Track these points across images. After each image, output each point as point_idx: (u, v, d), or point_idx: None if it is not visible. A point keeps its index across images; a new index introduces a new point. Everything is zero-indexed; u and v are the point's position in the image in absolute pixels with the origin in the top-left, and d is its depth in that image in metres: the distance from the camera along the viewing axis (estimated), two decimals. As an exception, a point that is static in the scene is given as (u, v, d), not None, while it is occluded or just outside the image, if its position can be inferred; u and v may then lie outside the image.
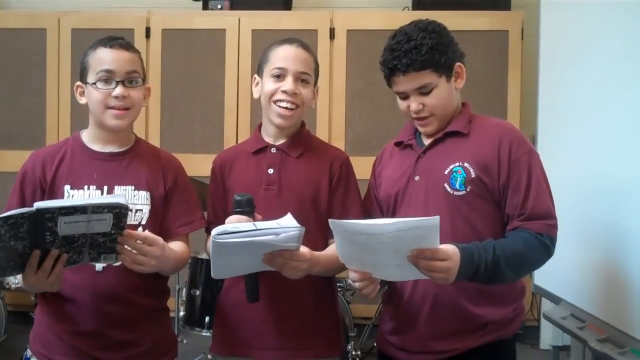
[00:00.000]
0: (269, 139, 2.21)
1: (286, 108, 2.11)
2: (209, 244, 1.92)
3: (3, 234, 1.69)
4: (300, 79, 2.12)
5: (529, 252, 1.93)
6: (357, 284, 1.87)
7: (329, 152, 2.24)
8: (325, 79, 4.79)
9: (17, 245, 1.75)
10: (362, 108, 4.88)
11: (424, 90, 2.01)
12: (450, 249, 1.80)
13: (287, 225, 1.86)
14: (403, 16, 4.78)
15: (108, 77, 2.04)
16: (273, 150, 2.19)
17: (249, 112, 4.92)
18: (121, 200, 1.81)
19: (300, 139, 2.22)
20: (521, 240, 1.93)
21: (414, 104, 2.03)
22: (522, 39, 4.75)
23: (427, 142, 2.09)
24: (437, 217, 1.69)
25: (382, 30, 4.81)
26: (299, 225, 1.85)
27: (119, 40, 2.08)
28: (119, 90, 2.03)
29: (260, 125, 2.24)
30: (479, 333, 1.99)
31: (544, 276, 2.93)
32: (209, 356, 4.13)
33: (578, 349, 2.93)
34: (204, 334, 3.75)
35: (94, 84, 2.04)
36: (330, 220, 1.77)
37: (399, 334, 2.09)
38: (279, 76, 2.11)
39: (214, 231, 1.82)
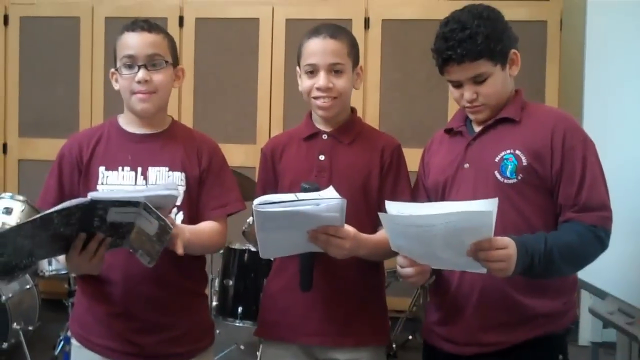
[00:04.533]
0: (320, 126, 2.20)
1: (324, 102, 2.11)
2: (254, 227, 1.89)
3: (56, 223, 1.70)
4: (334, 69, 2.10)
5: (583, 244, 1.87)
6: (406, 270, 1.84)
7: (381, 139, 2.22)
8: (363, 70, 4.75)
9: (66, 230, 1.75)
10: (397, 99, 4.83)
11: (479, 79, 1.96)
12: (506, 238, 1.76)
13: (329, 196, 1.85)
14: (439, 6, 4.71)
15: (130, 62, 2.05)
16: (324, 136, 2.18)
17: (282, 103, 4.90)
18: (174, 193, 1.85)
19: (352, 125, 2.21)
20: (574, 233, 1.87)
21: (467, 93, 1.98)
22: (560, 29, 4.67)
23: (477, 129, 2.04)
24: (491, 210, 1.64)
25: (418, 20, 4.81)
26: (340, 197, 1.83)
27: (141, 22, 2.08)
28: (140, 74, 2.04)
29: (311, 112, 2.23)
30: (528, 326, 1.94)
31: (588, 270, 2.85)
32: (242, 346, 4.18)
33: (624, 345, 2.86)
34: (237, 324, 3.75)
35: (118, 69, 2.07)
36: (380, 214, 1.75)
37: (445, 325, 2.04)
38: (312, 71, 2.11)
39: (255, 201, 1.81)
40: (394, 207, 1.77)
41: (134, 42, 2.05)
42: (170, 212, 1.97)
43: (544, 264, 1.81)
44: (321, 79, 2.09)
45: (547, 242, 1.83)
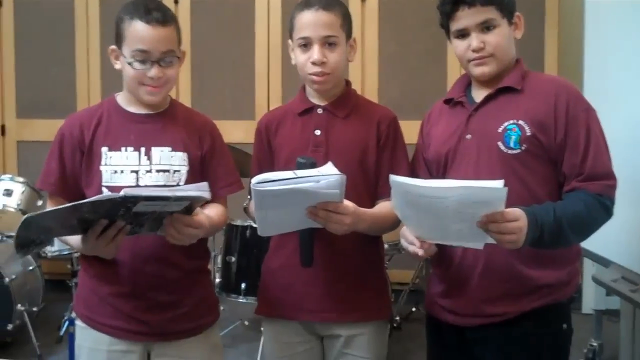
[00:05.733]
0: (314, 100, 2.17)
1: (318, 76, 2.08)
2: (252, 205, 1.88)
3: (84, 210, 1.73)
4: (327, 42, 2.07)
5: (590, 213, 1.86)
6: (412, 248, 1.84)
7: (376, 112, 2.19)
8: (356, 43, 4.72)
9: (91, 216, 1.77)
10: (395, 71, 4.80)
11: (487, 26, 1.95)
12: (517, 209, 1.75)
13: (328, 172, 1.83)
14: (437, -24, 4.67)
15: (143, 57, 1.99)
16: (319, 111, 2.15)
17: (280, 78, 4.88)
18: (205, 195, 1.85)
19: (347, 98, 2.18)
20: (581, 202, 1.86)
21: (475, 41, 1.95)
22: (560, -4, 4.63)
23: (478, 99, 2.02)
24: (505, 188, 1.63)
25: (415, -8, 4.76)
26: (339, 173, 1.81)
27: (155, 13, 2.00)
28: (154, 72, 2.00)
29: (304, 86, 2.20)
30: (532, 296, 1.94)
31: (591, 238, 2.85)
32: (246, 322, 4.19)
33: (628, 312, 2.87)
34: (240, 300, 3.76)
35: (130, 63, 2.01)
36: (391, 178, 1.74)
37: (449, 297, 2.04)
38: (306, 45, 2.08)
39: (254, 179, 1.79)
40: (400, 181, 1.75)
41: (148, 36, 1.98)
42: None
43: (553, 235, 1.81)
44: (315, 53, 2.06)
45: (555, 213, 1.82)
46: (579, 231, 1.89)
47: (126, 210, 1.77)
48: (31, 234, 1.74)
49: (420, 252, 1.83)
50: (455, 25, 1.99)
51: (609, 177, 1.91)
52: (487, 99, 1.99)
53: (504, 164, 1.91)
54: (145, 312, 2.05)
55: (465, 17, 1.96)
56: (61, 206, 1.72)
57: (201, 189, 1.89)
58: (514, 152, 1.92)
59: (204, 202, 1.98)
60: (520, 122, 1.92)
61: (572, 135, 1.90)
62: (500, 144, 1.93)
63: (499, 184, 1.64)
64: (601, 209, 1.88)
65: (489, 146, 1.94)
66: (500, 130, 1.93)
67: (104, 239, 1.83)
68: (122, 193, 1.71)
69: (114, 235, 1.83)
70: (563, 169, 1.92)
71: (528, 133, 1.91)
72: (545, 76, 2.04)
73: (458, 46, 2.01)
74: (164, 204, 1.78)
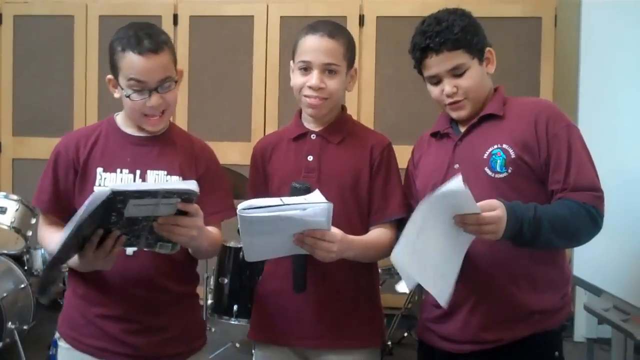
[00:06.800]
0: (309, 125, 2.17)
1: (314, 100, 2.08)
2: None
3: (86, 225, 1.71)
4: (327, 70, 2.07)
5: (573, 217, 1.86)
6: None
7: (371, 138, 2.18)
8: (357, 73, 4.76)
9: (88, 229, 1.75)
10: (392, 96, 4.83)
11: (458, 72, 1.98)
12: (494, 200, 1.78)
13: (315, 200, 1.82)
14: (434, 2, 4.65)
15: (140, 87, 1.98)
16: (313, 136, 2.15)
17: (276, 100, 4.90)
18: (192, 187, 1.79)
19: (341, 124, 2.17)
20: (564, 206, 1.88)
21: (448, 86, 1.99)
22: (555, 26, 4.67)
23: (463, 129, 2.05)
24: (466, 189, 1.68)
25: (413, 17, 4.72)
26: (326, 201, 1.80)
27: (146, 44, 1.96)
28: (153, 101, 1.99)
29: (300, 111, 2.20)
30: (525, 323, 1.94)
31: (583, 267, 2.87)
32: (237, 344, 4.17)
33: (619, 342, 2.87)
34: (232, 322, 3.74)
35: (127, 96, 1.99)
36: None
37: (442, 323, 2.03)
38: (306, 69, 2.08)
39: (240, 205, 1.78)
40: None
41: (142, 68, 1.96)
42: None
43: (532, 231, 1.82)
44: (314, 78, 2.05)
45: (536, 210, 1.84)
46: (562, 233, 1.87)
47: (118, 215, 1.73)
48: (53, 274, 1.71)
49: None
50: (426, 72, 2.03)
51: (595, 189, 1.92)
52: (471, 128, 2.03)
53: (493, 188, 1.92)
54: (133, 335, 2.03)
55: (434, 65, 1.99)
56: (68, 233, 1.70)
57: (188, 183, 1.84)
58: (501, 175, 1.94)
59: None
60: (505, 145, 1.95)
61: (554, 153, 1.92)
62: (487, 169, 1.95)
63: (457, 184, 1.68)
64: (587, 215, 1.88)
65: (476, 173, 1.96)
66: (485, 156, 1.96)
67: (102, 252, 1.80)
68: (109, 189, 1.67)
69: (111, 246, 1.80)
70: (549, 186, 1.94)
71: (513, 156, 1.93)
72: (525, 99, 2.07)
73: (432, 91, 2.05)
74: (155, 203, 1.73)
